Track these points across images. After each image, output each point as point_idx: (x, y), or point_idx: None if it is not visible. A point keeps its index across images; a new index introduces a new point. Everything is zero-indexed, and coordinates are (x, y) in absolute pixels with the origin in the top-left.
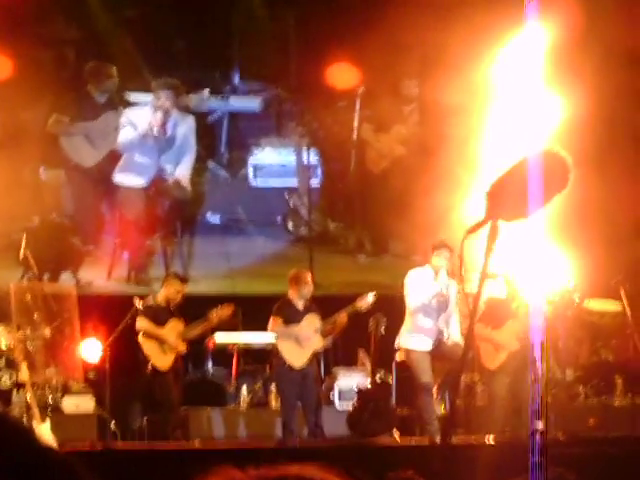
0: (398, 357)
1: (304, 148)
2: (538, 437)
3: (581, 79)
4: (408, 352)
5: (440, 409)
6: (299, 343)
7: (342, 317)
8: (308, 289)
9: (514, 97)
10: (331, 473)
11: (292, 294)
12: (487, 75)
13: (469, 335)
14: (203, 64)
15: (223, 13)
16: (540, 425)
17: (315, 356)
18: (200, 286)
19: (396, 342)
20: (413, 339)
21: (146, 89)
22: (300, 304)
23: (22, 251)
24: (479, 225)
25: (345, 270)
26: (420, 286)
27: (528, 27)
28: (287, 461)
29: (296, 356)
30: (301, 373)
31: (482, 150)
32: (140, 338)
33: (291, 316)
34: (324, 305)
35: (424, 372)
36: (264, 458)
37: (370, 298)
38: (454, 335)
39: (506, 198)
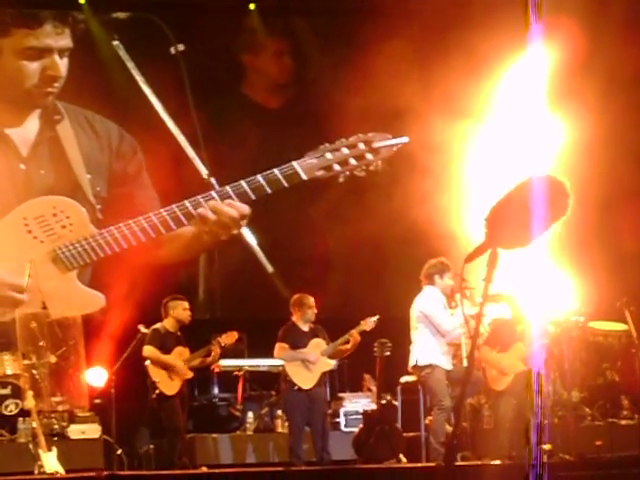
0: (409, 378)
1: None
2: (544, 459)
3: (584, 102)
4: (438, 371)
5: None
6: (307, 366)
7: (355, 336)
8: (312, 313)
9: (517, 121)
10: None
11: (296, 318)
12: (490, 99)
13: (471, 358)
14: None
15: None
16: (546, 447)
17: (322, 378)
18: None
19: (421, 359)
20: (442, 359)
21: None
22: (305, 327)
23: (27, 279)
24: (478, 252)
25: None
26: (444, 308)
27: (531, 51)
28: None
29: (305, 379)
30: (309, 396)
31: (484, 174)
32: (148, 364)
33: (297, 340)
34: (329, 327)
35: (446, 394)
36: None
37: (373, 320)
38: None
39: (505, 225)
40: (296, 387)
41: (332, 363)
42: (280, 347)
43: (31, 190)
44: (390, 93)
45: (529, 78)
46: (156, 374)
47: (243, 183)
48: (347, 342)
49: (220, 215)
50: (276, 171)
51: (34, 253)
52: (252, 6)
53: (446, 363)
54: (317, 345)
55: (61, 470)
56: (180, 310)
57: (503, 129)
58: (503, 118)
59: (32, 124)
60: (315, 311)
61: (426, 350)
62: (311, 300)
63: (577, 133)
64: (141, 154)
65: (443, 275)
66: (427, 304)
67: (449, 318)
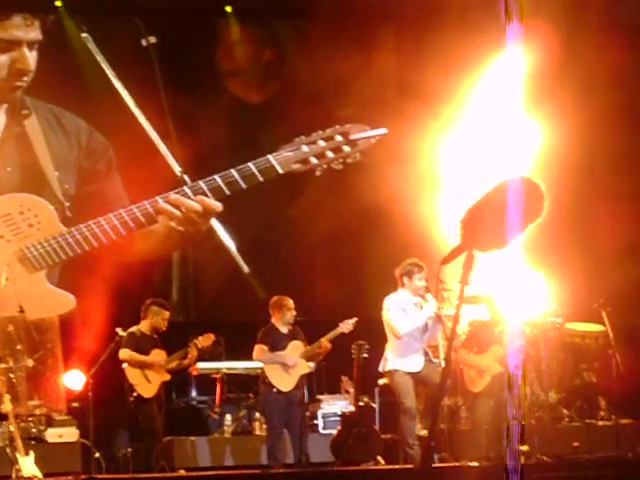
0: (385, 380)
1: None
2: (522, 460)
3: (560, 105)
4: (398, 374)
5: (423, 433)
6: (285, 369)
7: (326, 342)
8: (291, 314)
9: (493, 123)
10: None
11: (275, 320)
12: (465, 102)
13: (447, 360)
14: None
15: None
16: (524, 448)
17: (301, 381)
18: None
19: (384, 366)
20: (404, 362)
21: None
22: (284, 329)
23: (3, 281)
24: (454, 254)
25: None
26: (406, 311)
27: (508, 54)
28: None
29: (284, 381)
30: (287, 398)
31: (459, 176)
32: (125, 367)
33: (276, 342)
34: (307, 329)
35: (409, 395)
36: None
37: (351, 322)
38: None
39: (481, 227)
40: (275, 389)
41: (310, 365)
42: (259, 349)
43: None
44: (366, 93)
45: (506, 80)
46: (134, 377)
47: (217, 178)
48: (320, 347)
49: (184, 209)
50: (251, 165)
51: (0, 252)
52: (229, 9)
53: (409, 365)
54: (296, 347)
55: (39, 474)
56: (159, 319)
57: (480, 131)
58: (480, 120)
59: None
60: (294, 313)
61: (388, 355)
62: (290, 302)
63: (553, 135)
64: (112, 152)
65: (412, 277)
66: (385, 308)
67: (404, 322)
